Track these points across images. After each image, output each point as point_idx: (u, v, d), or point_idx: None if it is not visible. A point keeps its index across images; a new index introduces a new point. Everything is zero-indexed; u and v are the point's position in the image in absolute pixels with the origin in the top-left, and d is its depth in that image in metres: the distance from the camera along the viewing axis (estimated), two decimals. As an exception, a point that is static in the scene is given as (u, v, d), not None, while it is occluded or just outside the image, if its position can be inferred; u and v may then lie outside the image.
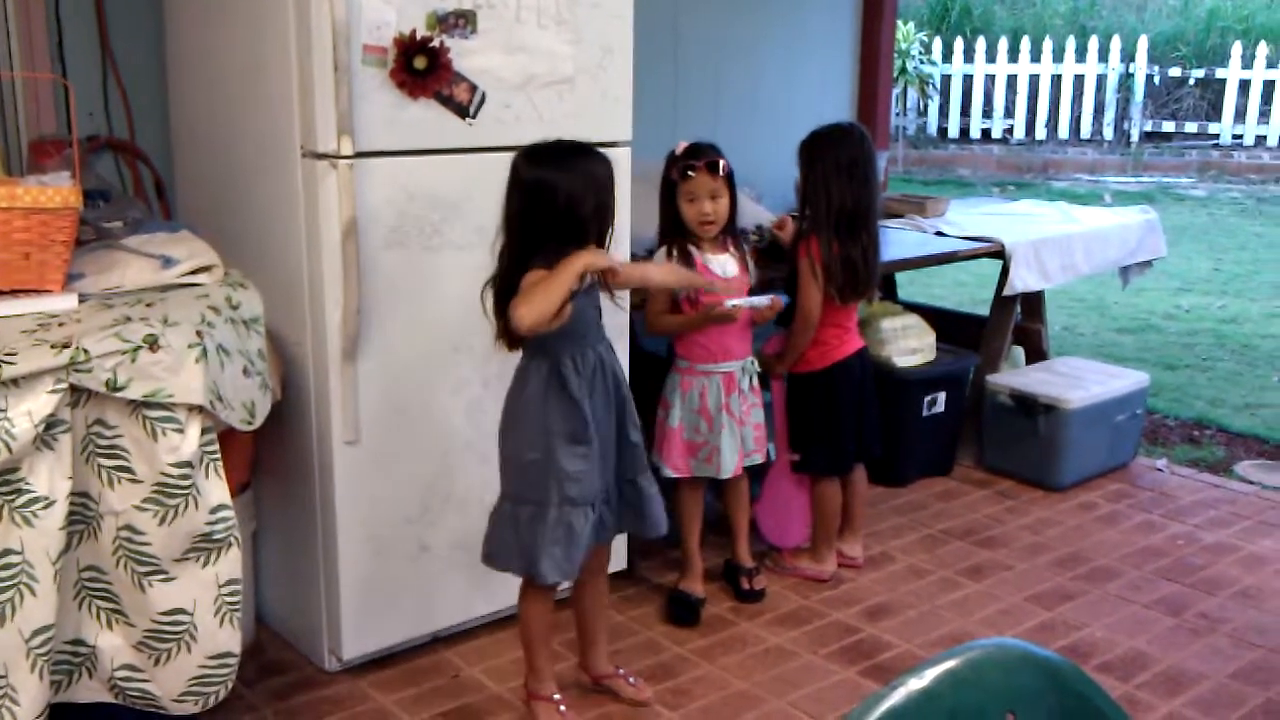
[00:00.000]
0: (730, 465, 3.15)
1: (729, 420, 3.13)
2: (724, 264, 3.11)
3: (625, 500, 2.62)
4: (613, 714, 2.72)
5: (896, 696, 1.07)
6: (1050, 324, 5.14)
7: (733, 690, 2.83)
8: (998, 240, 4.25)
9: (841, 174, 3.19)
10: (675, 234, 3.09)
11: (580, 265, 2.30)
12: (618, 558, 3.25)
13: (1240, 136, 12.05)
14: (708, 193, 3.02)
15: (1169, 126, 12.32)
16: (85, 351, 2.00)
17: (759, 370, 3.25)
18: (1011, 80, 12.47)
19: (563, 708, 2.65)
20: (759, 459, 3.25)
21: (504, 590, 2.77)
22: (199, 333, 2.16)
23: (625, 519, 2.64)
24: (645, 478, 2.63)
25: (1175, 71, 12.36)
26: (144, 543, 2.11)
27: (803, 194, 3.27)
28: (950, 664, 1.11)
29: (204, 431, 2.14)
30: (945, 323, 4.41)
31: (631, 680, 2.79)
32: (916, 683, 1.08)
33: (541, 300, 2.27)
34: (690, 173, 3.01)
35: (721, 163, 3.01)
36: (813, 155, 3.24)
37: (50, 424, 1.98)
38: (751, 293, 3.16)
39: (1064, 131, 12.40)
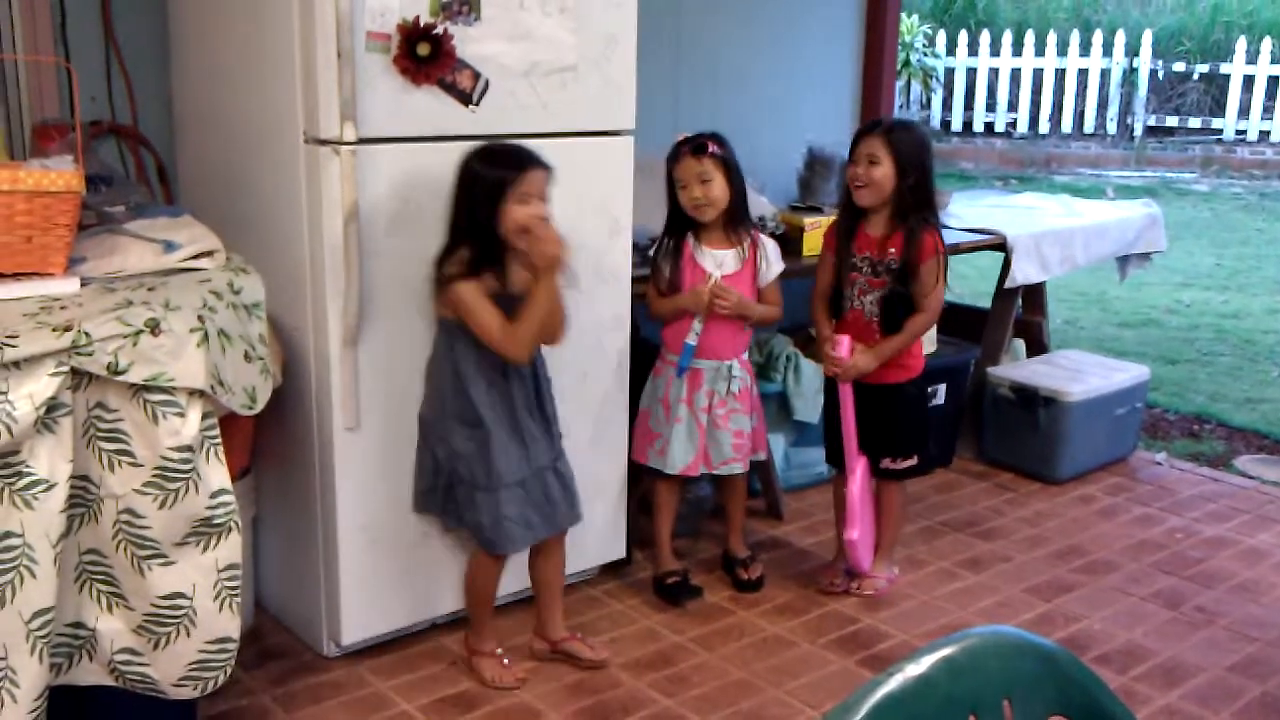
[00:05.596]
0: (679, 462, 3.10)
1: (688, 416, 3.09)
2: (719, 260, 3.06)
3: None
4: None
5: (893, 683, 1.06)
6: (1051, 317, 5.13)
7: (730, 679, 2.84)
8: (999, 233, 4.25)
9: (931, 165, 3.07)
10: (679, 226, 3.08)
11: None
12: (616, 547, 3.26)
13: (1244, 132, 12.02)
14: (695, 176, 2.98)
15: (1172, 121, 12.29)
16: (87, 335, 2.00)
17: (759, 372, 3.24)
18: (1015, 74, 12.45)
19: (505, 660, 2.79)
20: (738, 468, 3.18)
21: (504, 578, 2.78)
22: (200, 317, 2.16)
23: None
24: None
25: (1179, 66, 12.32)
26: (144, 526, 2.11)
27: (911, 185, 2.98)
28: (947, 651, 1.11)
29: (205, 416, 2.14)
30: (946, 315, 4.35)
31: (588, 642, 2.85)
32: (914, 669, 1.08)
33: None
34: (678, 158, 3.00)
35: (708, 144, 2.97)
36: (919, 146, 3.02)
37: (51, 407, 1.98)
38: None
39: (1067, 126, 12.37)
